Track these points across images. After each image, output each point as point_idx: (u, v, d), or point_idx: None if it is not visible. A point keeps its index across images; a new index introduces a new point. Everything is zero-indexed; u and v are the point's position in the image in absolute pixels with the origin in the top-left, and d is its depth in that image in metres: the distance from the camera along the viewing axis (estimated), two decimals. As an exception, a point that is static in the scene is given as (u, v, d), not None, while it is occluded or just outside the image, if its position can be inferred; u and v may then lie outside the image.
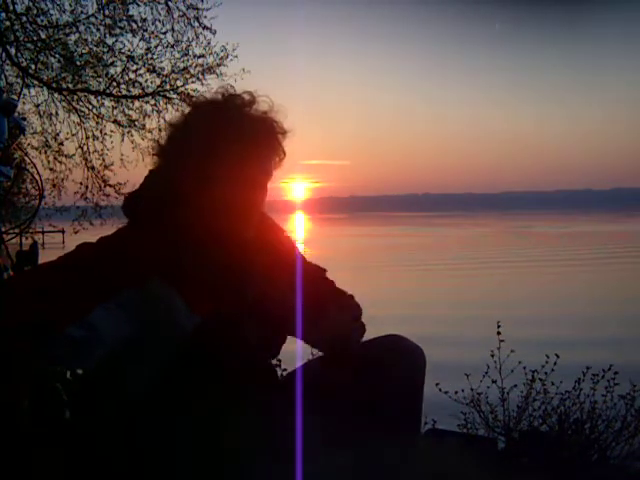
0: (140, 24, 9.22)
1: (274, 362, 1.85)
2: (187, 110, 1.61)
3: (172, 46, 9.55)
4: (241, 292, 1.54)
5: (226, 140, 1.49)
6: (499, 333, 3.58)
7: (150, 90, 9.88)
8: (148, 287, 1.40)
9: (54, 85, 9.69)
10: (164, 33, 9.38)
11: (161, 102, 10.01)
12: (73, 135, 10.15)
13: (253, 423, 1.40)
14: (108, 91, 9.80)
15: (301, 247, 1.77)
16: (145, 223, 1.50)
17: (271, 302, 1.57)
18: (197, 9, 9.36)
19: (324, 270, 1.75)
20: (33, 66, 9.23)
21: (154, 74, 9.76)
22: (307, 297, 1.60)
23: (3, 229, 2.28)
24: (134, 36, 9.32)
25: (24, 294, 1.38)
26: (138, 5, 9.16)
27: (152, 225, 1.49)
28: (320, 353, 1.71)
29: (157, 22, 9.29)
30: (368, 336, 1.64)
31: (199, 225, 1.50)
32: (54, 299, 1.35)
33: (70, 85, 9.84)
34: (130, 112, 10.03)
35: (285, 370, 2.60)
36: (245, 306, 1.53)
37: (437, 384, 3.45)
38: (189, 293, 1.43)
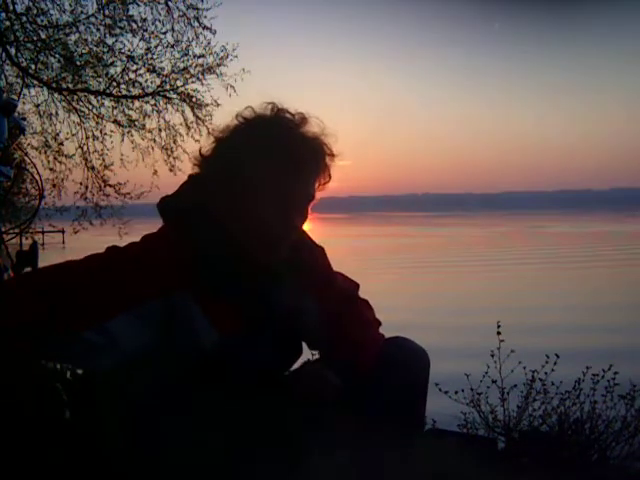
0: (140, 24, 9.22)
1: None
2: (234, 122, 1.53)
3: (172, 46, 9.55)
4: (265, 313, 1.53)
5: (272, 158, 1.46)
6: (499, 333, 3.58)
7: (150, 90, 9.88)
8: (171, 300, 1.38)
9: (54, 85, 9.69)
10: (164, 33, 9.39)
11: (161, 102, 10.02)
12: (73, 135, 10.16)
13: (254, 422, 1.40)
14: (108, 91, 9.79)
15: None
16: (176, 233, 1.48)
17: (296, 320, 1.56)
18: (197, 9, 9.36)
19: (357, 285, 1.72)
20: (33, 66, 9.22)
21: (154, 74, 9.77)
22: (333, 317, 1.59)
23: (3, 229, 2.28)
24: (134, 36, 9.33)
25: (31, 292, 1.37)
26: (138, 5, 9.16)
27: (182, 236, 1.46)
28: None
29: (157, 22, 9.30)
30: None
31: (231, 243, 1.47)
32: (74, 299, 1.35)
33: (70, 85, 9.83)
34: (130, 112, 10.04)
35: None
36: (267, 328, 1.52)
37: (437, 384, 3.45)
38: (212, 309, 1.42)
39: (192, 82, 9.91)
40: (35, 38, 9.07)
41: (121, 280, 1.38)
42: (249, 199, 1.46)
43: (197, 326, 1.40)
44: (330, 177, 1.55)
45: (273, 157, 1.45)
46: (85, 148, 10.24)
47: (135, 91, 9.88)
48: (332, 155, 1.53)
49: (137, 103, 10.01)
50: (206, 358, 1.41)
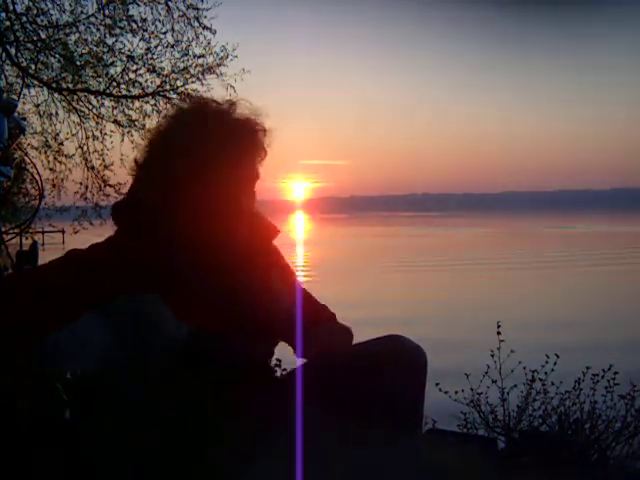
0: (140, 24, 9.21)
1: (273, 363, 1.84)
2: (165, 119, 1.59)
3: (172, 46, 9.54)
4: (232, 299, 1.53)
5: (207, 143, 1.48)
6: (499, 333, 3.59)
7: (150, 90, 9.87)
8: (137, 297, 1.39)
9: (54, 85, 9.68)
10: (164, 33, 9.38)
11: (161, 102, 10.00)
12: (73, 135, 10.15)
13: (250, 422, 1.40)
14: (108, 91, 9.79)
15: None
16: (136, 231, 1.49)
17: (263, 306, 1.56)
18: (197, 9, 9.35)
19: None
20: (33, 66, 9.22)
21: (154, 74, 9.76)
22: (304, 305, 1.62)
23: (3, 229, 2.28)
24: (134, 36, 9.32)
25: (19, 294, 1.38)
26: (138, 5, 9.15)
27: (143, 233, 1.48)
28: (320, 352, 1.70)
29: (157, 22, 9.29)
30: (369, 337, 1.64)
31: (188, 232, 1.49)
32: (42, 302, 1.35)
33: (70, 85, 9.83)
34: (130, 112, 10.02)
35: (285, 370, 2.60)
36: (236, 314, 1.53)
37: (437, 384, 3.45)
38: (179, 302, 1.42)
39: (192, 82, 9.90)
40: (35, 38, 9.07)
41: (87, 279, 1.39)
42: (197, 186, 1.48)
43: (164, 319, 1.40)
44: (266, 152, 1.57)
45: (209, 141, 1.48)
46: (85, 148, 10.24)
47: (135, 91, 9.88)
48: (265, 131, 1.55)
49: (137, 103, 10.01)
50: (179, 352, 1.40)
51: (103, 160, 10.34)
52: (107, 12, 9.11)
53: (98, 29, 9.25)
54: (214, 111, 1.53)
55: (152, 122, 10.08)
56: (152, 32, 9.32)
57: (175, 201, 1.49)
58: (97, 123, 10.08)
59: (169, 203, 1.49)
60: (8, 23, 8.64)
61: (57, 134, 10.14)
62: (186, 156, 1.48)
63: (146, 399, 1.38)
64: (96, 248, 1.49)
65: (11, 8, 8.53)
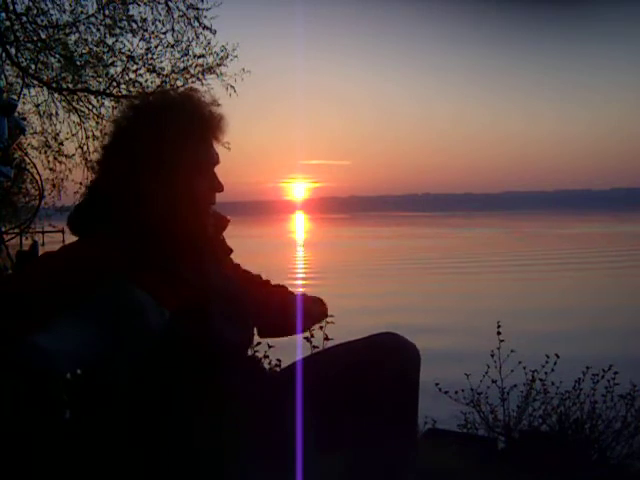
0: (140, 24, 9.20)
1: (272, 364, 1.85)
2: (117, 117, 1.58)
3: (172, 46, 9.53)
4: (206, 282, 1.54)
5: (155, 128, 1.49)
6: (499, 333, 3.58)
7: (150, 90, 9.87)
8: (115, 289, 1.38)
9: (54, 85, 9.68)
10: (164, 33, 9.37)
11: (161, 102, 10.01)
12: (73, 135, 10.13)
13: (243, 418, 1.39)
14: (108, 91, 9.78)
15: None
16: (105, 228, 1.49)
17: (236, 288, 1.60)
18: (197, 9, 9.34)
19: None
20: (33, 66, 9.21)
21: (154, 74, 9.75)
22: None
23: (3, 229, 2.28)
24: (134, 36, 9.30)
25: None
26: (138, 5, 9.14)
27: (112, 229, 1.48)
28: (315, 349, 1.71)
29: (157, 22, 9.27)
30: (364, 334, 1.64)
31: (157, 220, 1.49)
32: (19, 307, 1.34)
33: (70, 85, 9.82)
34: (130, 112, 10.02)
35: (278, 366, 2.60)
36: (212, 296, 1.53)
37: (437, 384, 3.45)
38: (156, 289, 1.41)
39: (192, 82, 9.89)
40: (35, 38, 9.06)
41: (62, 279, 1.38)
42: (155, 173, 1.48)
43: (145, 308, 1.38)
44: (223, 136, 1.58)
45: (169, 133, 1.48)
46: (85, 148, 10.23)
47: (135, 91, 9.87)
48: (212, 102, 1.56)
49: (137, 103, 10.00)
50: (163, 337, 1.39)
51: (103, 160, 10.32)
52: (107, 12, 9.10)
53: (98, 29, 9.25)
54: (169, 97, 1.56)
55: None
56: (152, 32, 9.31)
57: (140, 188, 1.48)
58: (97, 123, 10.08)
59: (134, 191, 1.48)
60: (8, 23, 8.63)
61: (57, 134, 10.13)
62: (138, 147, 1.49)
63: (134, 388, 1.37)
64: (68, 248, 1.49)
65: (11, 8, 8.53)
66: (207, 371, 1.42)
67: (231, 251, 1.73)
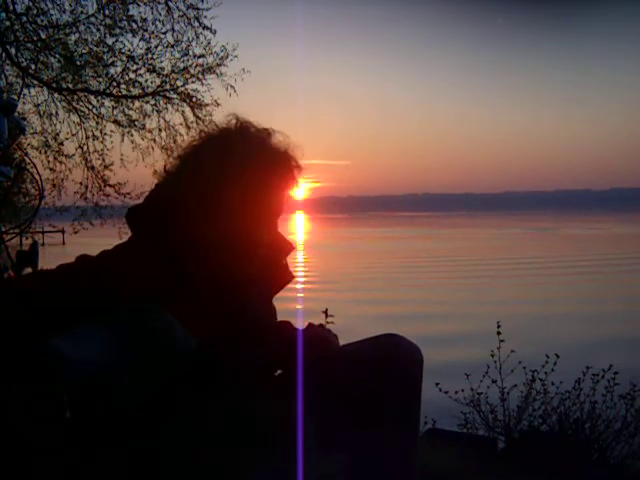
0: (140, 24, 9.20)
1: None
2: (200, 135, 1.56)
3: (172, 46, 9.53)
4: (238, 314, 1.54)
5: (240, 173, 1.46)
6: (499, 333, 3.58)
7: (150, 90, 9.86)
8: (142, 308, 1.37)
9: (54, 85, 9.67)
10: (164, 33, 9.37)
11: (161, 102, 10.00)
12: (73, 135, 10.13)
13: (252, 423, 1.40)
14: (108, 91, 9.78)
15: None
16: (147, 241, 1.47)
17: (263, 321, 1.61)
18: (197, 9, 9.34)
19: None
20: (33, 66, 9.21)
21: (154, 74, 9.75)
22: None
23: (3, 229, 2.28)
24: (134, 36, 9.31)
25: (26, 294, 1.36)
26: (138, 5, 9.14)
27: (154, 244, 1.46)
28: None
29: (157, 22, 9.28)
30: (368, 335, 1.65)
31: (201, 251, 1.47)
32: (45, 305, 1.34)
33: (70, 85, 9.82)
34: (130, 112, 10.01)
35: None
36: (242, 329, 1.53)
37: (437, 384, 3.45)
38: (188, 314, 1.41)
39: (192, 82, 9.90)
40: (35, 38, 9.06)
41: (93, 287, 1.37)
42: (219, 215, 1.47)
43: (171, 331, 1.37)
44: (294, 190, 1.56)
45: (242, 173, 1.46)
46: (85, 148, 10.23)
47: (135, 91, 9.87)
48: (299, 168, 1.54)
49: (137, 103, 10.00)
50: (187, 364, 1.39)
51: (103, 160, 10.33)
52: (107, 12, 9.10)
53: (98, 29, 9.25)
54: (255, 136, 1.51)
55: (152, 122, 10.10)
56: (152, 32, 9.31)
57: (192, 218, 1.47)
58: (97, 123, 10.08)
59: (185, 218, 1.47)
60: (8, 23, 8.63)
61: (57, 134, 10.13)
62: (211, 176, 1.47)
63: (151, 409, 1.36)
64: (105, 255, 1.47)
65: (11, 8, 8.52)
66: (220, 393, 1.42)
67: (292, 277, 1.70)
